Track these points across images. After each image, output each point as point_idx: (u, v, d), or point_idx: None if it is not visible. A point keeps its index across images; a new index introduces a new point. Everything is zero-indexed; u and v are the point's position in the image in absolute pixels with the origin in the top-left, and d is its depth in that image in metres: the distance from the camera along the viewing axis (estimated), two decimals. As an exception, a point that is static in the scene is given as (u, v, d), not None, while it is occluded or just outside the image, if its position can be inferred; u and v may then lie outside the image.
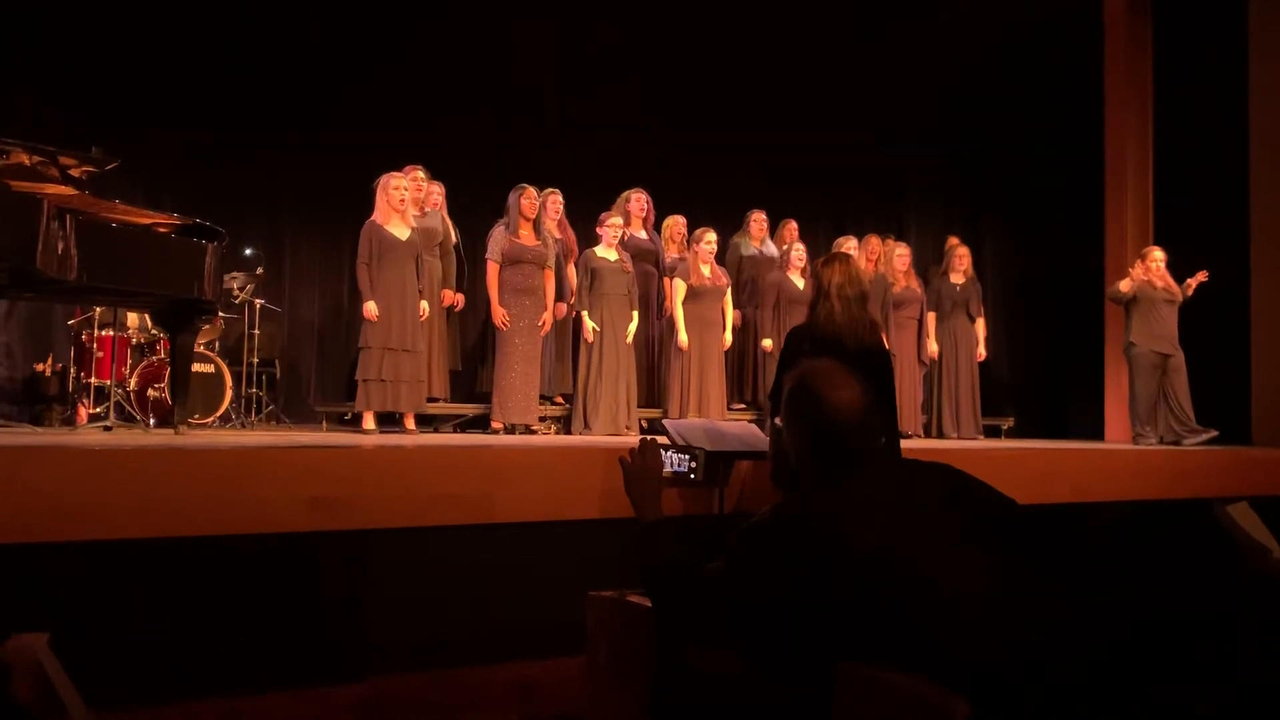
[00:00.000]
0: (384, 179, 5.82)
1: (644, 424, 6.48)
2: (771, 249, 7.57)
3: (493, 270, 6.21)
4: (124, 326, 6.32)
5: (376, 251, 5.68)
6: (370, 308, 5.61)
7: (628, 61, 8.37)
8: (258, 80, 7.38)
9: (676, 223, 7.24)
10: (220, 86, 7.23)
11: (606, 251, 6.45)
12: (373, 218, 5.77)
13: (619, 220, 6.63)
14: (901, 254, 7.54)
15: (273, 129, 7.43)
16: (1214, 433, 6.74)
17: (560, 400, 6.73)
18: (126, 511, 2.77)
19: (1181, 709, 1.70)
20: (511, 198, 6.28)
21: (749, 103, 8.76)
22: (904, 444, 4.16)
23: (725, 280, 6.81)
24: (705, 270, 6.65)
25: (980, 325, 7.68)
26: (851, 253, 6.97)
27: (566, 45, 8.11)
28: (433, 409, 6.39)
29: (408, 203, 5.87)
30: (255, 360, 6.92)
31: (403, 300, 5.71)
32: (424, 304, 5.87)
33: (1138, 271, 7.01)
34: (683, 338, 6.49)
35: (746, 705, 1.95)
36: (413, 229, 5.86)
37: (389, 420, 5.91)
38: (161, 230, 4.82)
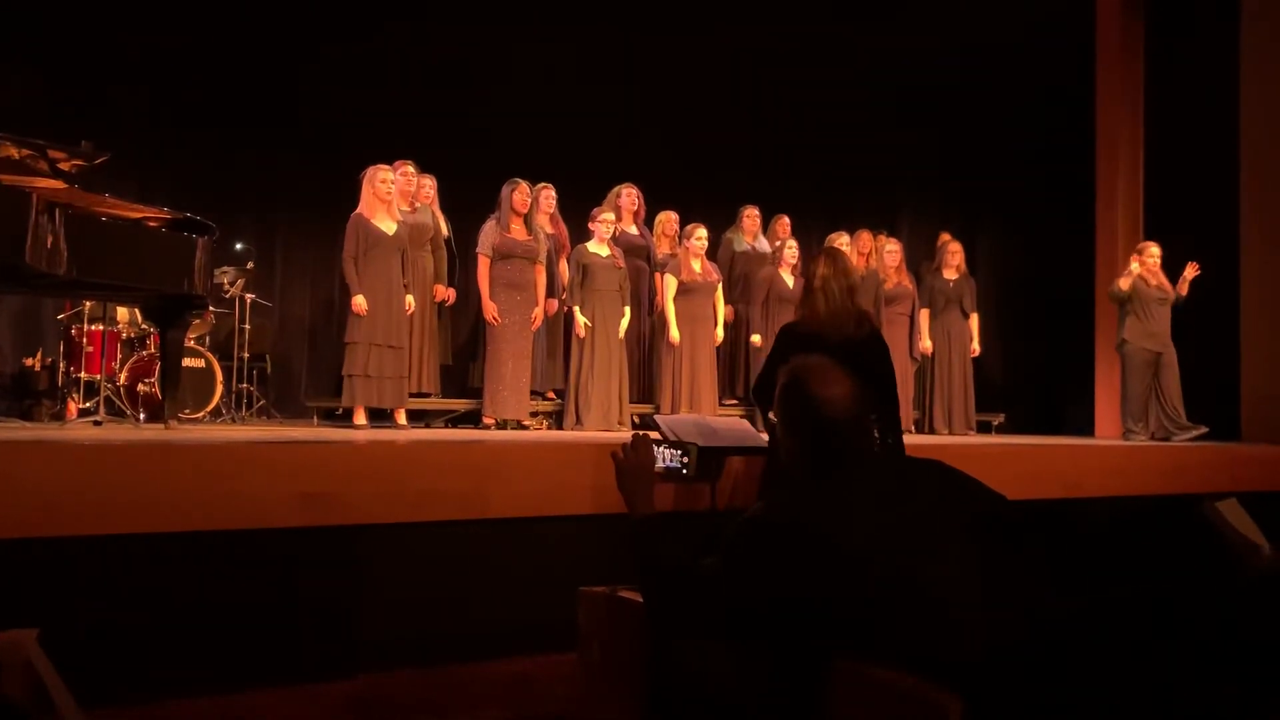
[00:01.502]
0: (370, 171, 5.79)
1: (636, 419, 6.49)
2: (764, 245, 7.57)
3: (484, 265, 6.20)
4: (114, 321, 6.29)
5: (362, 246, 5.66)
6: (359, 302, 5.59)
7: (622, 56, 8.36)
8: (250, 74, 7.35)
9: (668, 218, 7.24)
10: (212, 81, 7.20)
11: (599, 247, 6.44)
12: (358, 211, 5.74)
13: (610, 216, 6.62)
14: (892, 250, 7.55)
15: (264, 123, 7.40)
16: (1203, 429, 6.78)
17: (552, 396, 6.73)
18: (116, 507, 2.76)
19: (1173, 705, 1.71)
20: (504, 192, 6.26)
21: (742, 98, 8.76)
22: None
23: (716, 276, 6.81)
24: (696, 266, 6.65)
25: (974, 321, 7.69)
26: (844, 248, 6.99)
27: (560, 41, 8.09)
28: (424, 404, 6.38)
29: (394, 196, 5.85)
30: (246, 355, 6.89)
31: (388, 295, 5.69)
32: (409, 298, 5.85)
33: (1134, 267, 7.02)
34: (674, 333, 6.49)
35: (740, 701, 1.95)
36: (399, 223, 5.84)
37: (380, 416, 5.90)
38: (152, 225, 4.80)
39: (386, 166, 5.88)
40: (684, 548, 2.16)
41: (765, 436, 3.68)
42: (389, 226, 5.75)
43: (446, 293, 6.58)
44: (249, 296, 6.98)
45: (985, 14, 8.93)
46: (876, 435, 3.44)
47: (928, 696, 1.68)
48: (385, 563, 3.30)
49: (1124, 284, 6.99)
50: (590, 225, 6.62)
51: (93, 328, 6.12)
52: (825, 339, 3.40)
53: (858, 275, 4.07)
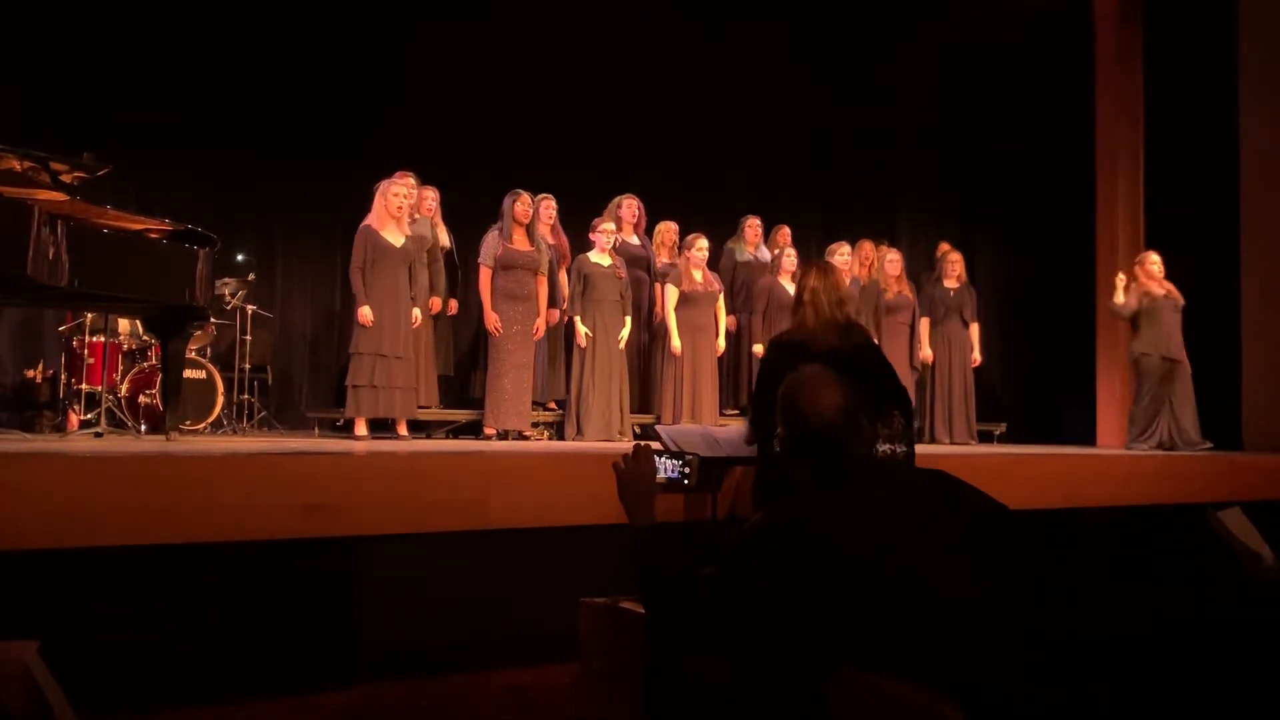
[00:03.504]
0: (384, 184, 5.84)
1: (637, 429, 6.48)
2: (765, 254, 7.58)
3: (485, 275, 6.21)
4: (115, 333, 6.29)
5: (370, 257, 5.68)
6: (365, 313, 5.60)
7: (621, 67, 8.38)
8: (249, 86, 7.37)
9: (668, 228, 7.25)
10: (212, 92, 7.22)
11: (600, 257, 6.45)
12: (368, 222, 5.76)
13: (611, 226, 6.63)
14: (893, 259, 7.54)
15: (265, 134, 7.42)
16: (1209, 444, 6.74)
17: (553, 406, 6.73)
18: (117, 518, 2.76)
19: (1174, 712, 1.70)
20: (505, 203, 6.27)
21: (742, 107, 8.78)
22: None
23: (717, 286, 6.81)
24: (697, 276, 6.65)
25: (975, 330, 7.69)
26: (845, 258, 7.00)
27: (560, 51, 8.11)
28: (425, 415, 6.39)
29: (404, 210, 5.87)
30: (247, 366, 6.90)
31: (395, 306, 5.70)
32: (416, 310, 5.87)
33: (1139, 278, 6.98)
34: (676, 343, 6.49)
35: (740, 711, 1.95)
36: (407, 236, 5.86)
37: (381, 426, 5.90)
38: (153, 236, 4.81)
39: (400, 180, 5.91)
40: (685, 558, 2.16)
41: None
42: (397, 239, 5.78)
43: (450, 304, 6.62)
44: (250, 308, 6.99)
45: (984, 22, 8.95)
46: (885, 445, 3.44)
47: (927, 705, 1.67)
48: (385, 573, 3.29)
49: (1131, 301, 6.89)
50: (591, 235, 6.63)
51: (94, 339, 6.13)
52: (813, 349, 3.41)
53: (848, 289, 4.09)
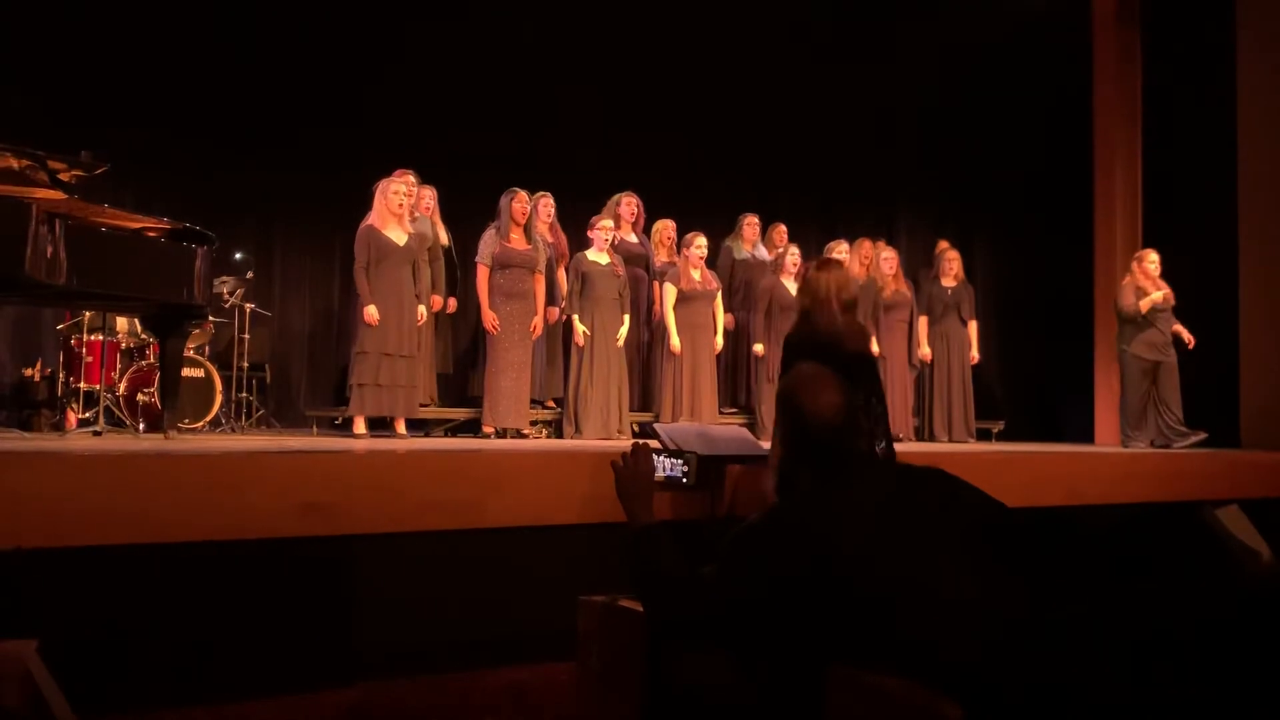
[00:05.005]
0: (383, 183, 5.84)
1: (635, 428, 6.48)
2: (763, 253, 7.58)
3: (483, 274, 6.21)
4: (113, 331, 6.29)
5: (374, 256, 5.67)
6: (370, 312, 5.59)
7: (620, 65, 8.38)
8: (248, 84, 7.36)
9: (666, 226, 7.24)
10: (210, 90, 7.21)
11: (598, 255, 6.45)
12: (369, 221, 5.76)
13: (610, 223, 6.62)
14: (888, 257, 7.55)
15: (263, 132, 7.41)
16: (1203, 434, 6.76)
17: (552, 404, 6.73)
18: (115, 517, 2.76)
19: (1173, 712, 1.71)
20: (503, 201, 6.27)
21: (740, 106, 8.78)
22: (895, 447, 4.16)
23: (716, 284, 6.81)
24: (696, 274, 6.65)
25: (973, 328, 7.70)
26: (843, 256, 7.01)
27: (558, 49, 8.11)
28: (423, 413, 6.39)
29: (405, 207, 5.87)
30: (245, 365, 6.90)
31: (399, 305, 5.70)
32: (421, 308, 5.87)
33: (1138, 278, 6.97)
34: (675, 342, 6.49)
35: (738, 709, 1.95)
36: (410, 234, 5.86)
37: (379, 425, 5.90)
38: (151, 234, 4.80)
39: (400, 178, 5.91)
40: (684, 556, 2.16)
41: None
42: (400, 237, 5.77)
43: (447, 301, 6.62)
44: (248, 306, 6.98)
45: (982, 22, 8.95)
46: (881, 444, 3.44)
47: (927, 703, 1.67)
48: (384, 572, 3.29)
49: (1143, 306, 6.87)
50: (589, 233, 6.63)
51: (92, 338, 6.12)
52: (845, 349, 3.39)
53: (856, 288, 4.07)
